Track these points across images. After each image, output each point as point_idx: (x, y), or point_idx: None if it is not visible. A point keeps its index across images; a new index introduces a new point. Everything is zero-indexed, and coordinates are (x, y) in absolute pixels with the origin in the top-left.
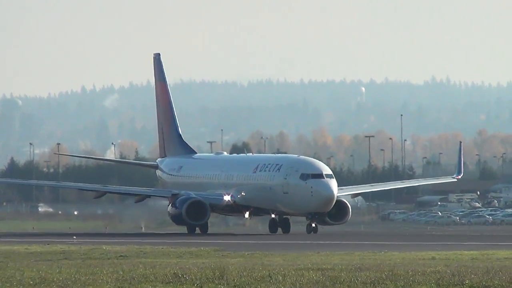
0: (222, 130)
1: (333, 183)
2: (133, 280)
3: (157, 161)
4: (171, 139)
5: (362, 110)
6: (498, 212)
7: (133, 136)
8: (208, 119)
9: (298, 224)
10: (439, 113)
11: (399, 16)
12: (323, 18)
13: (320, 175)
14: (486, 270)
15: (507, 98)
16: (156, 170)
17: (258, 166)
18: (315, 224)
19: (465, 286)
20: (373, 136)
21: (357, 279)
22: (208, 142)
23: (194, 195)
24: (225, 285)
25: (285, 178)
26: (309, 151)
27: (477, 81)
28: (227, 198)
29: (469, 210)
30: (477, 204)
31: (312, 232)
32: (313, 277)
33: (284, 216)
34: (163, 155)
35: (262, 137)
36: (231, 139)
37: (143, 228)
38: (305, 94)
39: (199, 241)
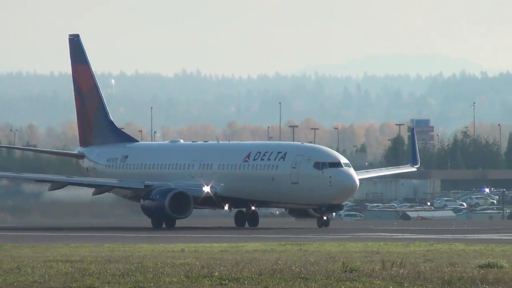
0: None
1: (354, 172)
2: None
3: (81, 150)
4: (100, 126)
5: (112, 102)
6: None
7: None
8: None
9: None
10: (189, 105)
11: (150, 9)
12: (81, 11)
13: (338, 164)
14: (236, 262)
15: (257, 90)
16: (82, 160)
17: (249, 154)
18: (327, 217)
19: (214, 278)
20: (123, 128)
21: (106, 271)
22: None
23: (174, 186)
24: None
25: (294, 167)
26: (59, 143)
27: (227, 73)
28: (206, 189)
29: None
30: None
31: (323, 226)
32: (62, 268)
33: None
34: (85, 143)
35: (11, 129)
36: None
37: None
38: (55, 86)
39: None
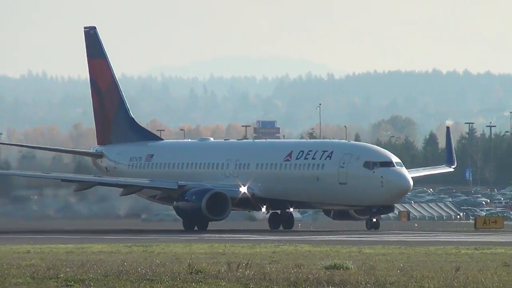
0: None
1: (406, 172)
2: None
3: (99, 149)
4: (120, 123)
5: None
6: (92, 206)
7: None
8: None
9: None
10: (36, 106)
11: None
12: None
13: (389, 163)
14: (81, 263)
15: None
16: (100, 159)
17: (291, 153)
18: (377, 219)
19: (60, 279)
20: None
21: None
22: None
23: (210, 186)
24: None
25: (342, 167)
26: None
27: (74, 75)
28: (243, 190)
29: (66, 204)
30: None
31: (372, 229)
32: None
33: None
34: (103, 142)
35: None
36: None
37: None
38: None
39: None
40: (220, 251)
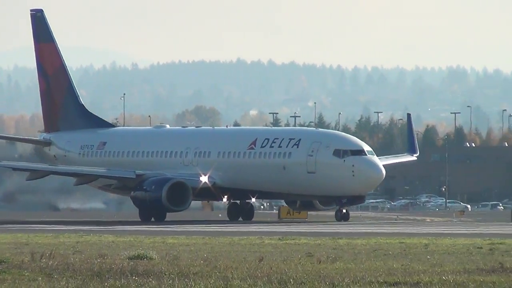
0: None
1: (378, 161)
2: None
3: (47, 136)
4: (69, 110)
5: None
6: None
7: None
8: None
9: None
10: None
11: None
12: None
13: (361, 151)
14: None
15: None
16: (48, 147)
17: (255, 140)
18: (346, 210)
19: None
20: None
21: None
22: None
23: (170, 176)
24: None
25: (311, 155)
26: None
27: None
28: (204, 179)
29: None
30: None
31: (342, 220)
32: None
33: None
34: (51, 129)
35: None
36: None
37: None
38: None
39: None
40: (23, 241)
